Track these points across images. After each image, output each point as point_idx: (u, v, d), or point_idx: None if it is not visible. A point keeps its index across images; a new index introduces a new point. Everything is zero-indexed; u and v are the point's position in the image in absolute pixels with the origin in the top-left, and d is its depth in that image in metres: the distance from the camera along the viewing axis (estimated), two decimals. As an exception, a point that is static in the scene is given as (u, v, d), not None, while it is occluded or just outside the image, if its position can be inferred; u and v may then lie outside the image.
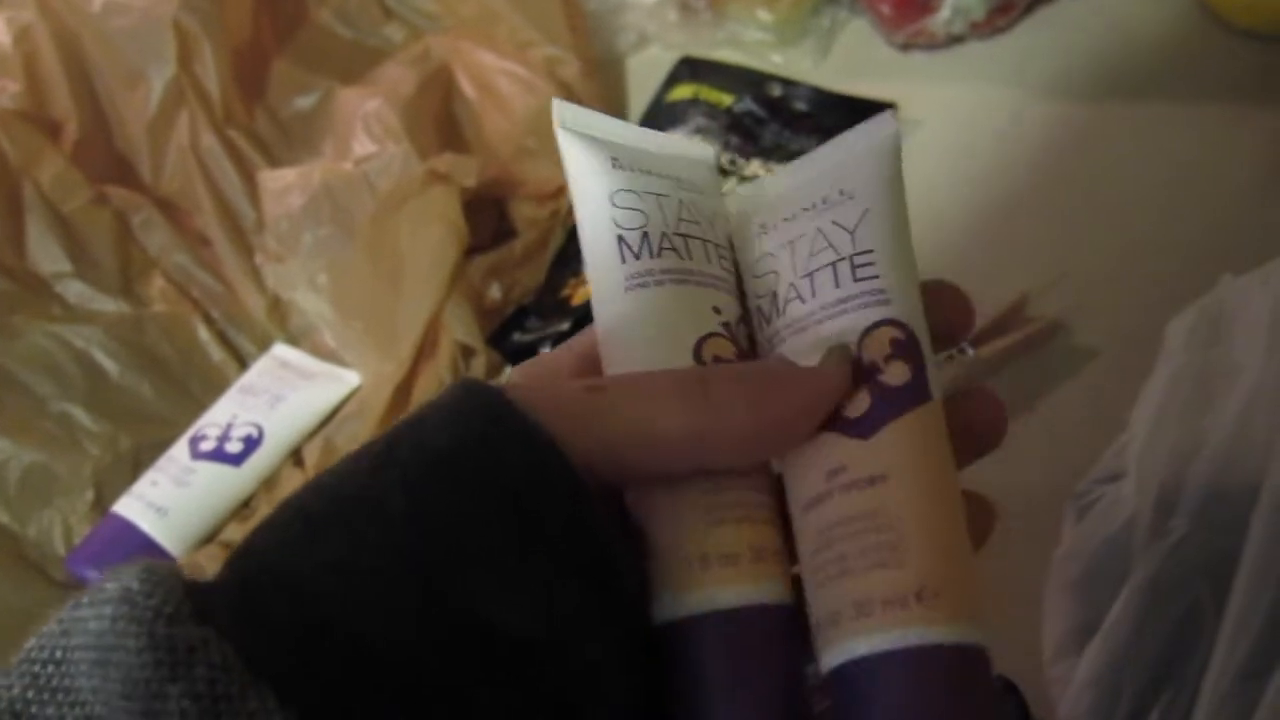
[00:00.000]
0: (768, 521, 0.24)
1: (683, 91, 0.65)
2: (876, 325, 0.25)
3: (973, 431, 0.26)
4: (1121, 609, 0.40)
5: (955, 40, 0.64)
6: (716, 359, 0.25)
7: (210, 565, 0.51)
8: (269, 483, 0.56)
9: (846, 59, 0.65)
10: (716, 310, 0.26)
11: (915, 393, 0.24)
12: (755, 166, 0.61)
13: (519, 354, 0.56)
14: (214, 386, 0.59)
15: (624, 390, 0.23)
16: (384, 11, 0.70)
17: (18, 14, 0.63)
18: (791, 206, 0.27)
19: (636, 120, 0.66)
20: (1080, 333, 0.53)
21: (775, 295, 0.26)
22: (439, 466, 0.21)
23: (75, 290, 0.60)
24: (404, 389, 0.54)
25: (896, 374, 0.24)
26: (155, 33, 0.62)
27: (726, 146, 0.62)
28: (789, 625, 0.24)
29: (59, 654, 0.20)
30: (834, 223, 0.26)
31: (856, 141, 0.27)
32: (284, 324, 0.61)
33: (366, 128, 0.61)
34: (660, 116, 0.65)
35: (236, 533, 0.54)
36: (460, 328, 0.54)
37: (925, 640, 0.22)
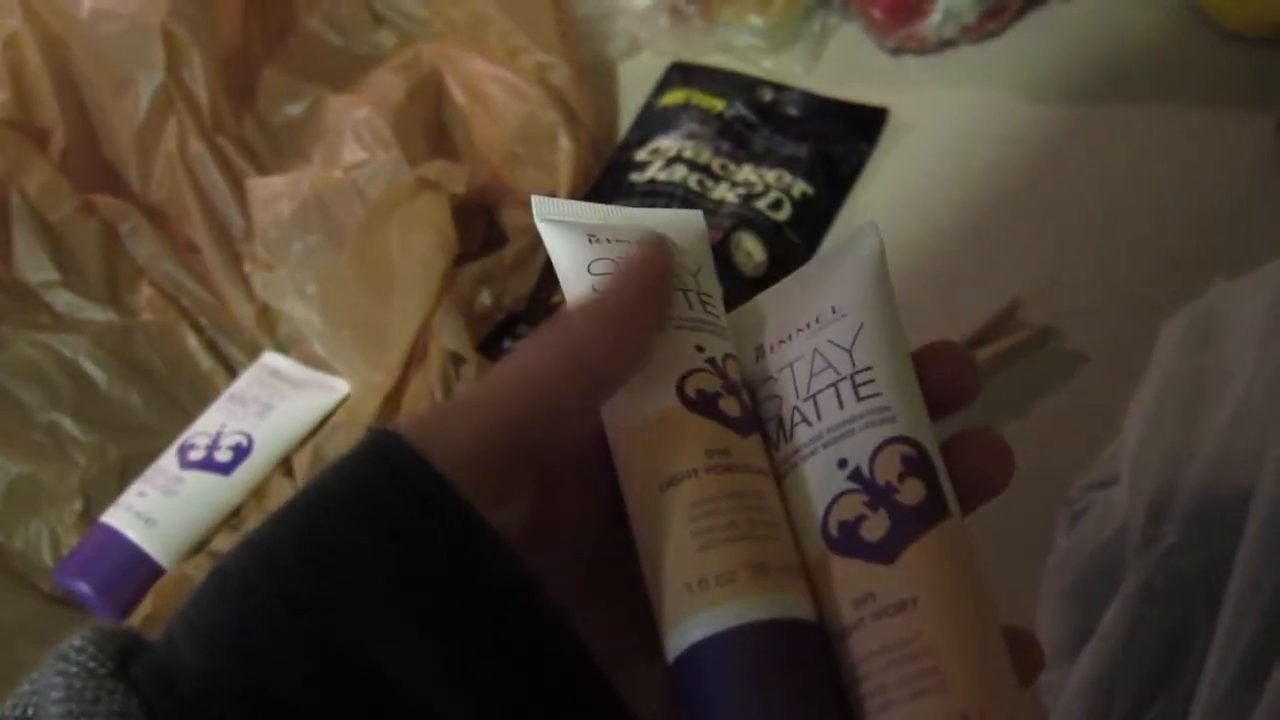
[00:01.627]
0: (767, 537, 0.24)
1: (674, 97, 0.65)
2: (885, 444, 0.24)
3: (976, 479, 0.26)
4: (1114, 616, 0.40)
5: (946, 44, 0.64)
6: (700, 393, 0.25)
7: (199, 575, 0.51)
8: (258, 492, 0.55)
9: (838, 64, 0.65)
10: (699, 349, 0.26)
11: (933, 510, 0.24)
12: (747, 171, 0.61)
13: (510, 361, 0.56)
14: (203, 395, 0.59)
15: (470, 389, 0.24)
16: (374, 18, 0.70)
17: (3, 21, 0.63)
18: (786, 328, 0.27)
19: (628, 125, 0.66)
20: (1072, 338, 0.52)
21: (781, 421, 0.26)
22: (327, 511, 0.22)
23: (63, 300, 0.60)
24: (394, 398, 0.54)
25: (912, 493, 0.24)
26: (143, 39, 0.61)
27: (718, 152, 0.62)
28: (807, 638, 0.23)
29: (29, 711, 0.21)
30: (830, 341, 0.26)
31: (843, 258, 0.28)
32: (273, 332, 0.61)
33: (356, 135, 0.60)
34: (652, 122, 0.65)
35: (226, 542, 0.53)
36: (450, 335, 0.53)
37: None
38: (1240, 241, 0.52)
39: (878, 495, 0.24)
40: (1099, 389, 0.50)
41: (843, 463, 0.25)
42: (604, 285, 0.25)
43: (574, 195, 0.62)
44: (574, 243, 0.27)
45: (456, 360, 0.54)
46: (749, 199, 0.59)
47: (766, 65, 0.66)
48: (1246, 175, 0.55)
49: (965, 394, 0.26)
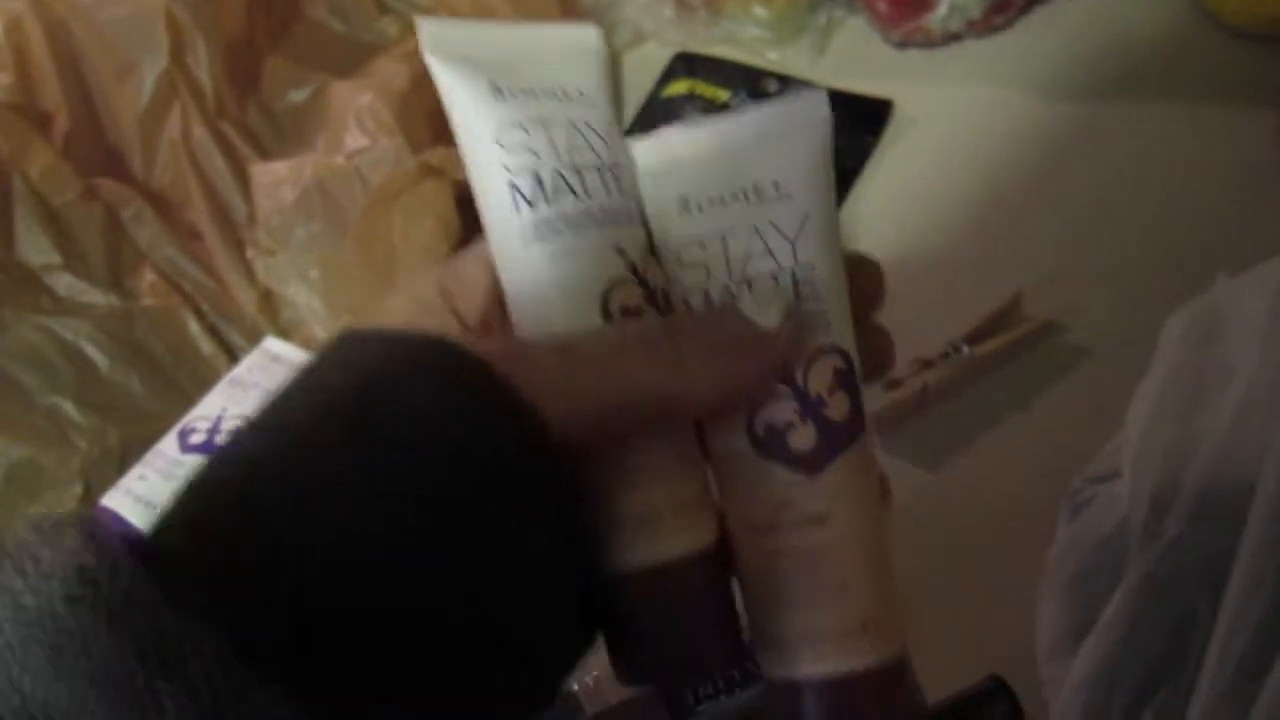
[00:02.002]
0: (684, 474, 0.25)
1: (678, 87, 0.65)
2: (821, 353, 0.25)
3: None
4: (1116, 609, 0.40)
5: (952, 38, 0.64)
6: (624, 310, 0.25)
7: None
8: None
9: (843, 56, 0.65)
10: (620, 251, 0.25)
11: (855, 426, 0.25)
12: (750, 163, 0.61)
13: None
14: (203, 380, 0.59)
15: (596, 354, 0.23)
16: (378, 6, 0.69)
17: (8, 4, 0.62)
18: (718, 186, 0.26)
19: (632, 116, 0.66)
20: (1075, 332, 0.52)
21: (707, 295, 0.25)
22: (425, 436, 0.20)
23: (65, 283, 0.60)
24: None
25: (839, 408, 0.25)
26: (147, 24, 0.61)
27: (722, 143, 0.62)
28: (712, 566, 0.25)
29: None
30: (773, 224, 0.25)
31: (786, 122, 0.26)
32: (275, 318, 0.61)
33: (359, 122, 0.60)
34: (656, 112, 0.65)
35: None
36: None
37: (869, 665, 0.24)
38: (1244, 237, 0.52)
39: (809, 406, 0.24)
40: (1102, 383, 0.50)
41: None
42: (745, 340, 0.24)
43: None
44: (477, 97, 0.25)
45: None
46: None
47: (771, 57, 0.65)
48: (1250, 171, 0.55)
49: (873, 301, 0.27)
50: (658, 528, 0.24)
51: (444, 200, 0.56)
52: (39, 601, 0.18)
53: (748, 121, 0.26)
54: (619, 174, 0.26)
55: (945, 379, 0.52)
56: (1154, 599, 0.40)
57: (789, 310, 0.24)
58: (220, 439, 0.56)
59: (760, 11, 0.65)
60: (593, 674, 0.47)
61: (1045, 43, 0.63)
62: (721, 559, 0.25)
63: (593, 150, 0.26)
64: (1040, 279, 0.54)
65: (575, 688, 0.47)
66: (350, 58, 0.66)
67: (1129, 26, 0.62)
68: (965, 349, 0.52)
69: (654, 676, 0.25)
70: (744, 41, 0.66)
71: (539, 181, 0.25)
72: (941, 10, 0.62)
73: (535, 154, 0.25)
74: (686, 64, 0.66)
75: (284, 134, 0.65)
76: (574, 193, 0.25)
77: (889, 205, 0.60)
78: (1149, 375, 0.44)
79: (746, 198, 0.25)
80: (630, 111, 0.66)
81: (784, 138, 0.26)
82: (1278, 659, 0.37)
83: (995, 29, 0.63)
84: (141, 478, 0.55)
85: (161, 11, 0.61)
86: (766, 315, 0.24)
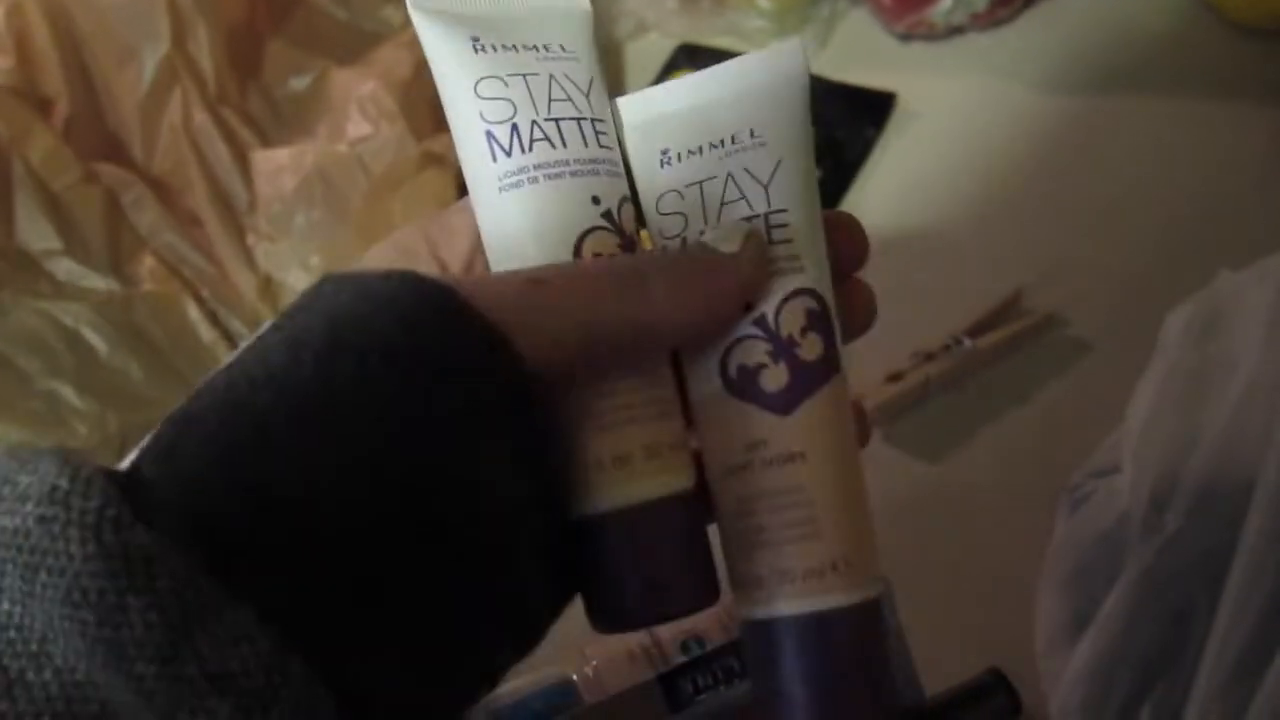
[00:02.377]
0: (657, 417, 0.25)
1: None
2: (793, 295, 0.25)
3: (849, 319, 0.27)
4: (1115, 603, 0.40)
5: (955, 31, 0.63)
6: (597, 258, 0.25)
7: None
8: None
9: (846, 48, 0.65)
10: (595, 200, 0.26)
11: (828, 366, 0.25)
12: (753, 155, 0.60)
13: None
14: (203, 367, 0.59)
15: (566, 285, 0.24)
16: (382, -6, 0.69)
17: (9, -11, 0.62)
18: (696, 137, 0.26)
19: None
20: (1076, 326, 0.52)
21: (684, 243, 0.26)
22: (393, 361, 0.21)
23: (64, 268, 0.60)
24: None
25: (812, 348, 0.25)
26: (148, 9, 0.61)
27: (724, 134, 0.61)
28: (686, 510, 0.25)
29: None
30: (746, 170, 0.26)
31: (763, 72, 0.26)
32: (275, 304, 0.60)
33: (361, 109, 0.60)
34: (658, 103, 0.65)
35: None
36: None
37: (841, 603, 0.25)
38: (1245, 232, 0.52)
39: (780, 347, 0.25)
40: (1102, 377, 0.50)
41: (748, 306, 0.25)
42: (708, 265, 0.25)
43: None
44: (457, 49, 0.26)
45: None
46: (755, 182, 0.59)
47: (775, 49, 0.65)
48: (1252, 166, 0.55)
49: (855, 260, 0.27)
50: (630, 471, 0.24)
51: (445, 188, 0.56)
52: (14, 523, 0.18)
53: (724, 73, 0.27)
54: (599, 128, 0.26)
55: (946, 372, 0.52)
56: (1153, 593, 0.40)
57: (751, 237, 0.25)
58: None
59: (763, 3, 0.65)
60: (591, 664, 0.47)
61: (1048, 37, 0.63)
62: (697, 504, 0.26)
63: (572, 103, 0.26)
64: (1042, 272, 0.54)
65: (574, 678, 0.47)
66: (352, 45, 0.66)
67: (1131, 21, 0.62)
68: (966, 342, 0.52)
69: (626, 621, 0.25)
70: (747, 33, 0.66)
71: (515, 131, 0.25)
72: (945, 3, 0.62)
73: (513, 105, 0.26)
74: (689, 55, 0.66)
75: (285, 121, 0.65)
76: (550, 143, 0.25)
77: (891, 197, 0.60)
78: (1149, 370, 0.44)
79: (723, 145, 0.26)
80: (632, 102, 0.66)
81: (759, 87, 0.26)
82: (1277, 653, 0.37)
83: (998, 22, 0.63)
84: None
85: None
86: (729, 243, 0.25)
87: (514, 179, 0.25)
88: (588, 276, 0.24)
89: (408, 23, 0.67)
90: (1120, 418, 0.44)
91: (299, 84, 0.65)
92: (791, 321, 0.25)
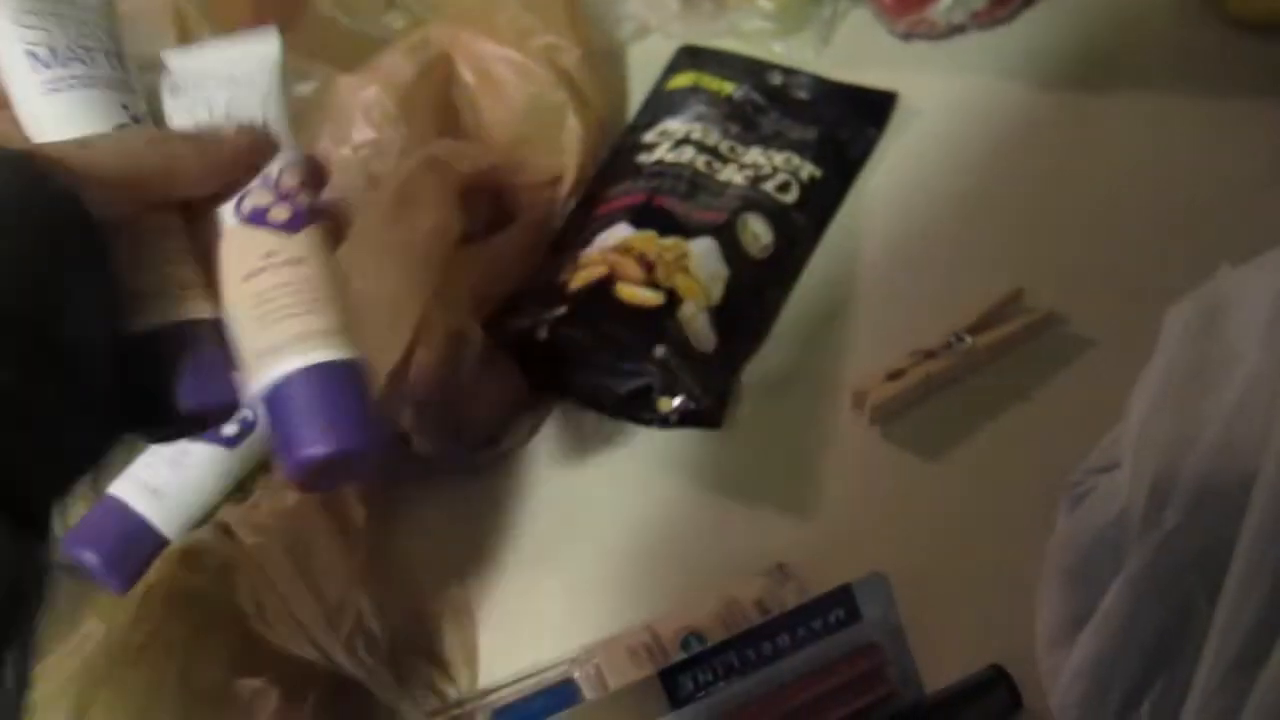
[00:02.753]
0: (180, 262, 0.33)
1: (683, 80, 0.65)
2: (290, 164, 0.36)
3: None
4: (1114, 599, 0.40)
5: (956, 29, 0.64)
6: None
7: (205, 546, 0.51)
8: (262, 465, 0.55)
9: (847, 48, 0.65)
10: (125, 106, 0.36)
11: (319, 210, 0.36)
12: (755, 154, 0.61)
13: (516, 339, 0.56)
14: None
15: (105, 144, 0.32)
16: (385, 0, 0.70)
17: None
18: (200, 81, 0.38)
19: (637, 108, 0.66)
20: (1076, 323, 0.52)
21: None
22: None
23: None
24: (398, 376, 0.54)
25: (305, 199, 0.36)
26: (155, 19, 0.62)
27: (726, 134, 0.62)
28: (207, 331, 0.34)
29: None
30: (239, 98, 0.37)
31: (243, 55, 0.39)
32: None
33: (365, 114, 0.61)
34: (660, 104, 0.65)
35: (230, 514, 0.54)
36: (454, 314, 0.54)
37: (342, 357, 0.34)
38: (1246, 228, 0.52)
39: (282, 195, 0.36)
40: (1103, 374, 0.50)
41: (255, 169, 0.34)
42: (217, 135, 0.34)
43: (583, 176, 0.62)
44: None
45: (460, 339, 0.54)
46: (757, 181, 0.59)
47: (776, 49, 0.66)
48: (1252, 162, 0.55)
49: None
50: (164, 300, 0.33)
51: (445, 194, 0.56)
52: None
53: (217, 51, 0.39)
54: (125, 61, 0.37)
55: (947, 369, 0.52)
56: (1153, 589, 0.40)
57: (249, 126, 0.35)
58: (225, 428, 0.56)
59: (764, 3, 0.65)
60: (593, 662, 0.47)
61: (1049, 34, 0.63)
62: (217, 330, 0.34)
63: (100, 38, 0.36)
64: (1042, 270, 0.54)
65: (576, 675, 0.47)
66: (357, 52, 0.66)
67: (1133, 17, 0.61)
68: (967, 339, 0.52)
69: (177, 428, 0.33)
70: (748, 34, 0.66)
71: (53, 51, 0.35)
72: (945, 2, 0.62)
73: (48, 32, 0.35)
74: (691, 56, 0.66)
75: (291, 127, 0.65)
76: (83, 62, 0.35)
77: (893, 196, 0.60)
78: (1150, 365, 0.44)
79: (223, 85, 0.38)
80: (635, 103, 0.66)
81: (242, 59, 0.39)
82: (1276, 649, 0.37)
83: (999, 20, 0.63)
84: (148, 465, 0.55)
85: (170, 6, 0.61)
86: (230, 130, 0.34)
87: (54, 85, 0.35)
88: (125, 138, 0.34)
89: (410, 28, 0.68)
90: (1121, 414, 0.44)
91: (303, 90, 0.66)
92: (289, 180, 0.36)
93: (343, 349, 0.34)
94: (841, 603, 0.41)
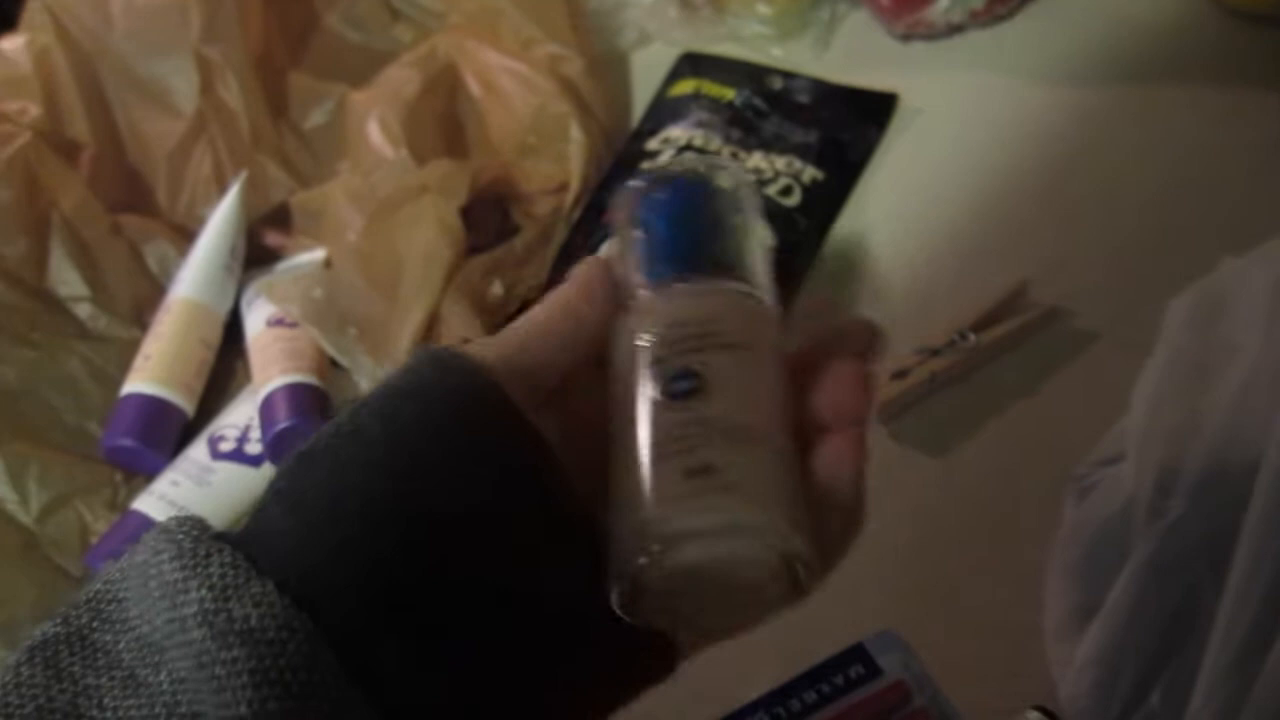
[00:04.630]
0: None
1: (684, 87, 0.66)
2: None
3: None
4: (1121, 589, 0.41)
5: (955, 29, 0.64)
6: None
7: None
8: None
9: (847, 50, 0.66)
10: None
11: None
12: (757, 159, 0.61)
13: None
14: (228, 393, 0.61)
15: (523, 337, 0.30)
16: (391, 14, 0.70)
17: (36, 36, 0.64)
18: None
19: (639, 115, 0.66)
20: (1080, 317, 0.53)
21: None
22: (400, 399, 0.27)
23: (88, 313, 0.61)
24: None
25: None
26: (176, 57, 0.63)
27: (728, 140, 0.62)
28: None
29: (120, 592, 0.25)
30: None
31: None
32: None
33: (373, 133, 0.61)
34: (663, 112, 0.65)
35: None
36: (460, 327, 0.54)
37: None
38: (1247, 220, 0.52)
39: None
40: (1107, 367, 0.50)
41: None
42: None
43: (586, 185, 0.63)
44: None
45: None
46: (759, 185, 0.60)
47: (775, 53, 0.66)
48: (1253, 154, 0.55)
49: None
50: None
51: (446, 209, 0.57)
52: (143, 556, 0.25)
53: None
54: None
55: (952, 366, 0.52)
56: (1159, 578, 0.40)
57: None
58: (249, 446, 0.57)
59: (763, 9, 0.66)
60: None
61: (1048, 30, 0.63)
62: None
63: None
64: (1045, 265, 0.54)
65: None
66: (366, 67, 0.67)
67: (1130, 10, 0.62)
68: (971, 336, 0.52)
69: None
70: (748, 39, 0.67)
71: None
72: (944, 2, 0.62)
73: None
74: (692, 63, 0.67)
75: (316, 155, 0.66)
76: None
77: (896, 196, 0.60)
78: (1153, 357, 0.45)
79: None
80: (638, 111, 0.67)
81: None
82: (1281, 634, 0.37)
83: (998, 18, 0.64)
84: (174, 483, 0.56)
85: (191, 48, 0.62)
86: None
87: None
88: (535, 333, 0.30)
89: (418, 39, 0.68)
90: (1126, 407, 0.44)
91: (320, 116, 0.67)
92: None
93: None
94: (857, 660, 0.40)
